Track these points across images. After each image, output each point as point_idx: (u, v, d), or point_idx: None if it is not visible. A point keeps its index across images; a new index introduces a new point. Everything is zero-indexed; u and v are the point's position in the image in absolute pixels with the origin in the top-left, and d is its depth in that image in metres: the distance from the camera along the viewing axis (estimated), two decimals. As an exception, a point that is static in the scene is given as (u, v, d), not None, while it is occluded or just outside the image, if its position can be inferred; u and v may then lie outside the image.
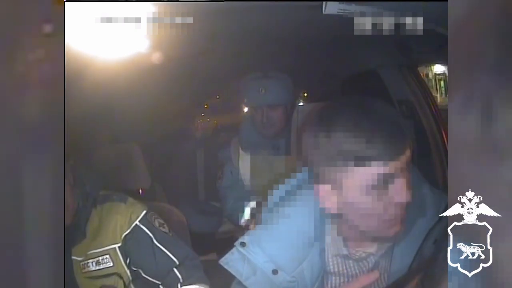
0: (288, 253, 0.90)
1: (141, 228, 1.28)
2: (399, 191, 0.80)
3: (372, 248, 0.91)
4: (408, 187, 0.80)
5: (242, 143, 1.94)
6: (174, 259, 1.27)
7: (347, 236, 0.91)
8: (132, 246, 1.28)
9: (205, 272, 1.32)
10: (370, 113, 0.80)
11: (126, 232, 1.27)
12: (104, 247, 1.27)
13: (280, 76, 1.86)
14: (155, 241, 1.28)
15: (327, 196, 0.84)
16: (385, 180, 0.79)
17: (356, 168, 0.78)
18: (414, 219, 0.89)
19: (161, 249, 1.28)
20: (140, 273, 1.29)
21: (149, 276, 1.29)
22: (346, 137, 0.78)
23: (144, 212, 1.30)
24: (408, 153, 0.80)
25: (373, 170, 0.78)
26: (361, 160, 0.78)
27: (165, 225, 1.33)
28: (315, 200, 0.90)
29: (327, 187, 0.83)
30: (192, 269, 1.29)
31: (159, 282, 1.29)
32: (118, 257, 1.28)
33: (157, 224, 1.30)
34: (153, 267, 1.27)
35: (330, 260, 0.93)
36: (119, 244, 1.27)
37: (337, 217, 0.88)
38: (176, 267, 1.27)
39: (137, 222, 1.28)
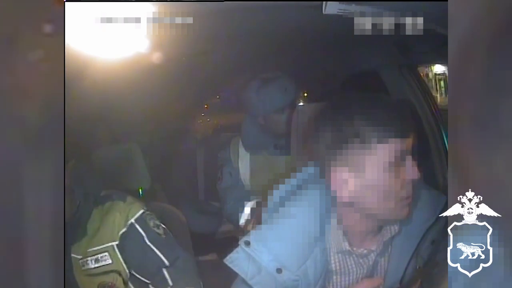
0: (292, 252, 0.91)
1: (136, 227, 1.29)
2: (411, 168, 0.85)
3: (373, 245, 0.92)
4: (418, 164, 0.86)
5: (244, 143, 1.93)
6: (164, 259, 1.28)
7: (353, 231, 0.92)
8: (126, 244, 1.29)
9: (205, 272, 1.32)
10: (379, 99, 0.89)
11: (123, 231, 1.28)
12: (103, 244, 1.28)
13: (280, 75, 1.85)
14: (146, 240, 1.28)
15: (344, 184, 0.86)
16: (401, 157, 0.85)
17: (377, 146, 0.84)
18: (412, 219, 0.90)
19: (151, 248, 1.28)
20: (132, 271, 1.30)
21: (138, 274, 1.30)
22: (365, 117, 0.84)
23: (141, 211, 1.31)
24: (413, 133, 0.87)
25: (392, 147, 0.84)
26: (382, 137, 0.83)
27: (160, 227, 1.33)
28: (321, 196, 0.92)
29: (345, 174, 0.86)
30: (182, 271, 1.28)
31: (149, 282, 1.29)
32: (117, 255, 1.28)
33: (151, 224, 1.31)
34: (142, 265, 1.28)
35: (332, 258, 0.94)
36: (116, 242, 1.28)
37: (348, 205, 0.89)
38: (165, 268, 1.27)
39: (132, 220, 1.29)
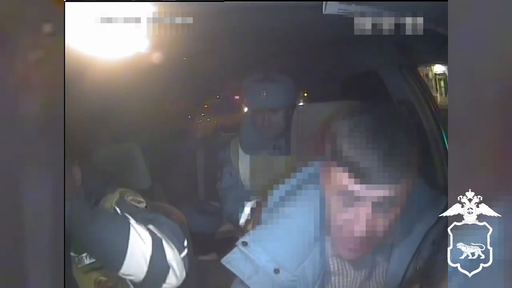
0: (289, 252, 0.90)
1: (115, 209, 1.28)
2: (355, 218, 0.79)
3: (371, 250, 0.90)
4: (367, 222, 0.78)
5: (242, 144, 1.94)
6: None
7: (341, 238, 0.90)
8: None
9: (205, 272, 1.31)
10: (383, 131, 0.79)
11: None
12: None
13: (282, 79, 1.85)
14: (119, 211, 1.27)
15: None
16: (353, 198, 0.79)
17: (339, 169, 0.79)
18: (412, 220, 0.89)
19: (125, 215, 1.25)
20: None
21: None
22: (345, 140, 0.79)
23: (119, 192, 1.31)
24: (393, 190, 0.77)
25: (343, 176, 0.78)
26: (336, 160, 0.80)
27: (141, 202, 1.32)
28: (318, 197, 0.91)
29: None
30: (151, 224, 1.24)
31: None
32: None
33: (129, 199, 1.31)
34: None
35: (330, 259, 0.93)
36: None
37: None
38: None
39: (113, 204, 1.29)
